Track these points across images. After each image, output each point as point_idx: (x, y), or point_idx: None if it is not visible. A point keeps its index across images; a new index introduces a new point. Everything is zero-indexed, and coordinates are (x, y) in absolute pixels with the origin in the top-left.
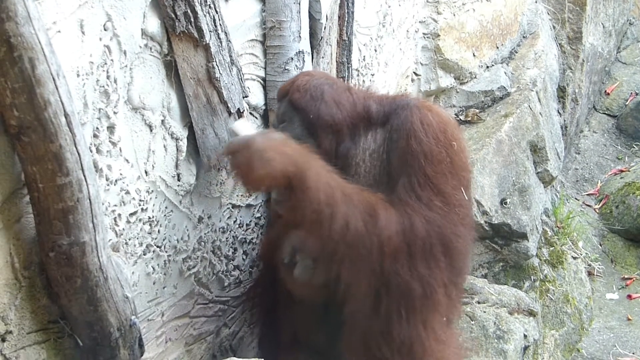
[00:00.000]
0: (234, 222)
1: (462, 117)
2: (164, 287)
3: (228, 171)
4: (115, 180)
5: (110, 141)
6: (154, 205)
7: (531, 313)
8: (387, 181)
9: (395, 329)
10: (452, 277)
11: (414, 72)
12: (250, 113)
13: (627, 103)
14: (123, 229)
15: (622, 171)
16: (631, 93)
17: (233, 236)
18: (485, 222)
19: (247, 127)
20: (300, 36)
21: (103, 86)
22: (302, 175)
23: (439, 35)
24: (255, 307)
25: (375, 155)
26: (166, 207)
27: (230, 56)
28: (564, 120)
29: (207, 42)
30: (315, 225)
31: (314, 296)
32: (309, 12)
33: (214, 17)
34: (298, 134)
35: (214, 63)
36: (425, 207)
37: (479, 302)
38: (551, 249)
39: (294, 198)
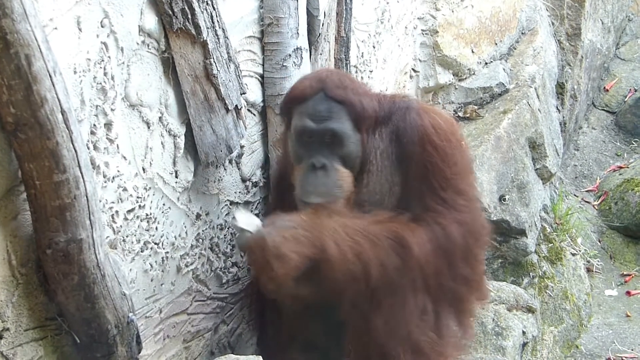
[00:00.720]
0: (232, 218)
1: (460, 114)
2: (161, 284)
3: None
4: (113, 177)
5: (107, 138)
6: (151, 202)
7: (530, 309)
8: (402, 184)
9: (428, 328)
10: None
11: (412, 69)
12: (248, 110)
13: (626, 99)
14: (120, 226)
15: (621, 167)
16: (630, 89)
17: (231, 233)
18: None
19: (248, 219)
20: (298, 33)
21: (100, 83)
22: (322, 253)
23: (437, 32)
24: (253, 304)
25: (385, 155)
26: (164, 204)
27: (228, 53)
28: (563, 117)
29: (205, 38)
30: (353, 282)
31: (314, 297)
32: (307, 8)
33: (211, 13)
34: (345, 129)
35: (212, 60)
36: (452, 210)
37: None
38: (550, 245)
39: (323, 271)
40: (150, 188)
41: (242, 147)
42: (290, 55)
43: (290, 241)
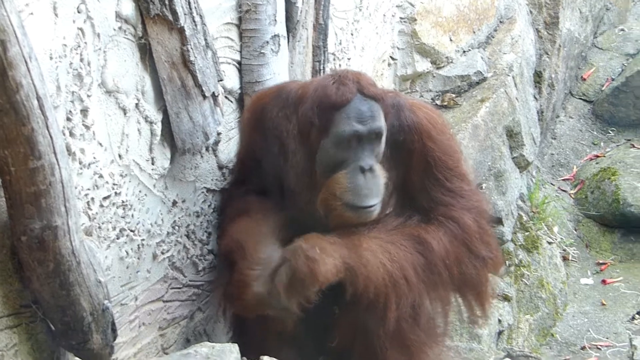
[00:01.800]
0: (209, 206)
1: (438, 102)
2: (137, 272)
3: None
4: (89, 164)
5: (83, 124)
6: (127, 189)
7: (506, 298)
8: (398, 180)
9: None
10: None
11: (390, 57)
12: (226, 97)
13: (603, 88)
14: (96, 213)
15: (597, 156)
16: (607, 78)
17: (207, 220)
18: None
19: None
20: (276, 20)
21: (76, 69)
22: (360, 261)
23: (415, 20)
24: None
25: None
26: (140, 191)
27: (205, 39)
28: (540, 106)
29: (182, 25)
30: (396, 282)
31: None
32: None
33: (188, 0)
34: (383, 127)
35: (189, 46)
36: (459, 198)
37: None
38: (526, 234)
39: (361, 279)
40: (126, 175)
41: (219, 134)
42: (268, 42)
43: (329, 253)
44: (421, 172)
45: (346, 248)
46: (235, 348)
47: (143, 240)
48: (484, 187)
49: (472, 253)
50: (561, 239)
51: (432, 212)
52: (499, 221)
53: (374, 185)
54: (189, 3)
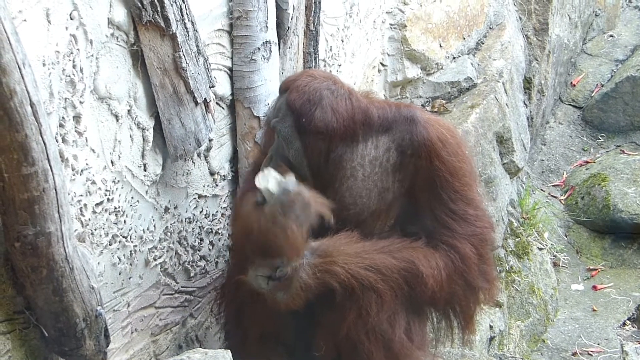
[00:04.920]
0: (200, 212)
1: (428, 108)
2: (129, 278)
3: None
4: (81, 170)
5: (76, 131)
6: (120, 195)
7: (497, 304)
8: (401, 193)
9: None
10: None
11: (380, 63)
12: (217, 103)
13: (592, 94)
14: (89, 219)
15: (587, 162)
16: (597, 84)
17: (199, 226)
18: None
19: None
20: (267, 26)
21: (69, 75)
22: (328, 285)
23: (405, 26)
24: (227, 300)
25: (377, 162)
26: (132, 197)
27: (197, 46)
28: (530, 112)
29: (174, 31)
30: (365, 308)
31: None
32: (276, 1)
33: (180, 6)
34: (287, 134)
35: (181, 53)
36: (463, 222)
37: None
38: (517, 240)
39: (337, 297)
40: (118, 181)
41: (210, 140)
42: (259, 48)
43: (301, 293)
44: (426, 190)
45: (321, 279)
46: (228, 354)
47: (135, 246)
48: None
49: (468, 285)
50: (552, 244)
51: (435, 236)
52: None
53: None
54: (181, 10)
